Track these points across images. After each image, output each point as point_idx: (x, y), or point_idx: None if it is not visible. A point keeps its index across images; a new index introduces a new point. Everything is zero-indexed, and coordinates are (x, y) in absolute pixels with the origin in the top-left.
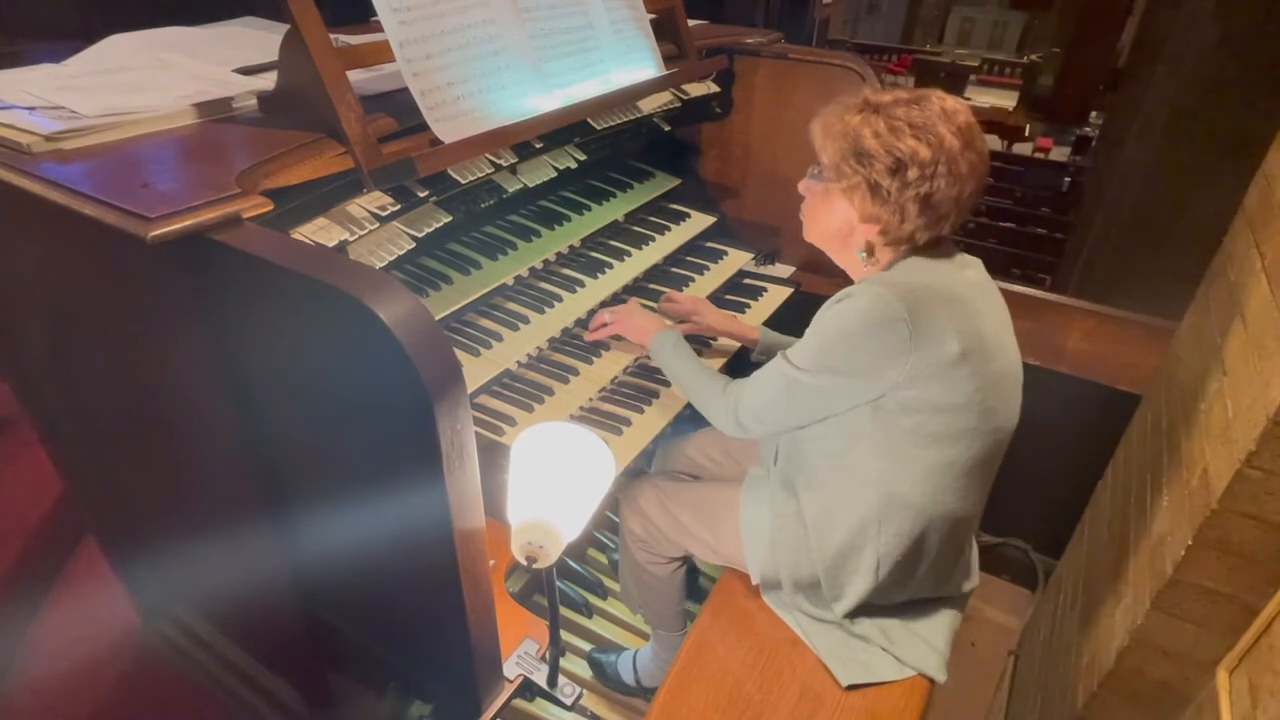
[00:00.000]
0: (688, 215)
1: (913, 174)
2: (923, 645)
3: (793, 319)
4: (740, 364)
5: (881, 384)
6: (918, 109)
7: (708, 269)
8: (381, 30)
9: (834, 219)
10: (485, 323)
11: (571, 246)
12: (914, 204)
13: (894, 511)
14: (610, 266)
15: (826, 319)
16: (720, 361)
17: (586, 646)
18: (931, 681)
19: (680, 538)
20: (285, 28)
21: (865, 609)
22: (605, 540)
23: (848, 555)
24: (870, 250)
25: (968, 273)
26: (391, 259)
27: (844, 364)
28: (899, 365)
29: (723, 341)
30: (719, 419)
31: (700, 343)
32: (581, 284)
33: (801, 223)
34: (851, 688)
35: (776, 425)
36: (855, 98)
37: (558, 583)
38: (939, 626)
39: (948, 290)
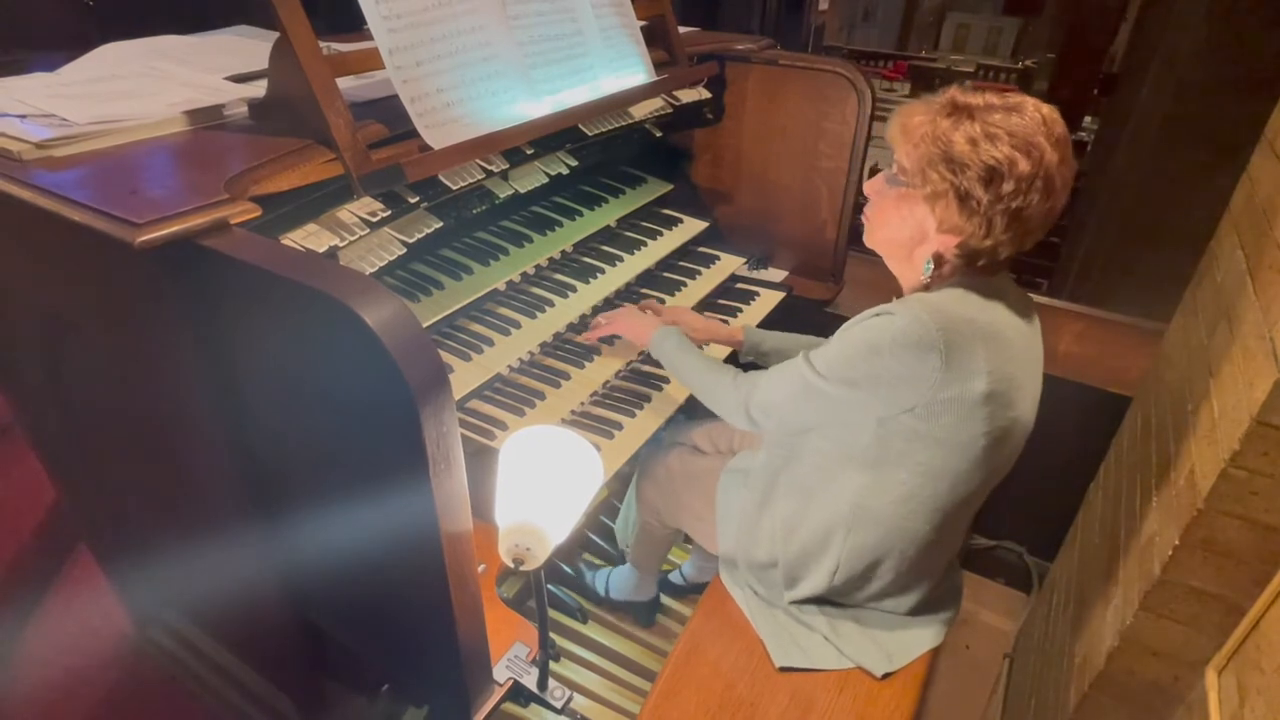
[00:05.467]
0: (680, 220)
1: (1008, 186)
2: (868, 642)
3: (785, 323)
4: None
5: (896, 405)
6: (1017, 116)
7: (700, 274)
8: (372, 38)
9: (906, 226)
10: (477, 328)
11: (564, 251)
12: (1002, 217)
13: (862, 522)
14: (602, 271)
15: (857, 330)
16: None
17: (581, 651)
18: (923, 685)
19: (678, 510)
20: (277, 36)
21: (818, 601)
22: (600, 544)
23: (811, 554)
24: (939, 262)
25: (1018, 312)
26: (382, 264)
27: (865, 378)
28: (920, 392)
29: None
30: (728, 411)
31: None
32: (573, 289)
33: (862, 226)
34: (785, 670)
35: (788, 423)
36: (940, 97)
37: (552, 587)
38: (892, 631)
39: (991, 327)
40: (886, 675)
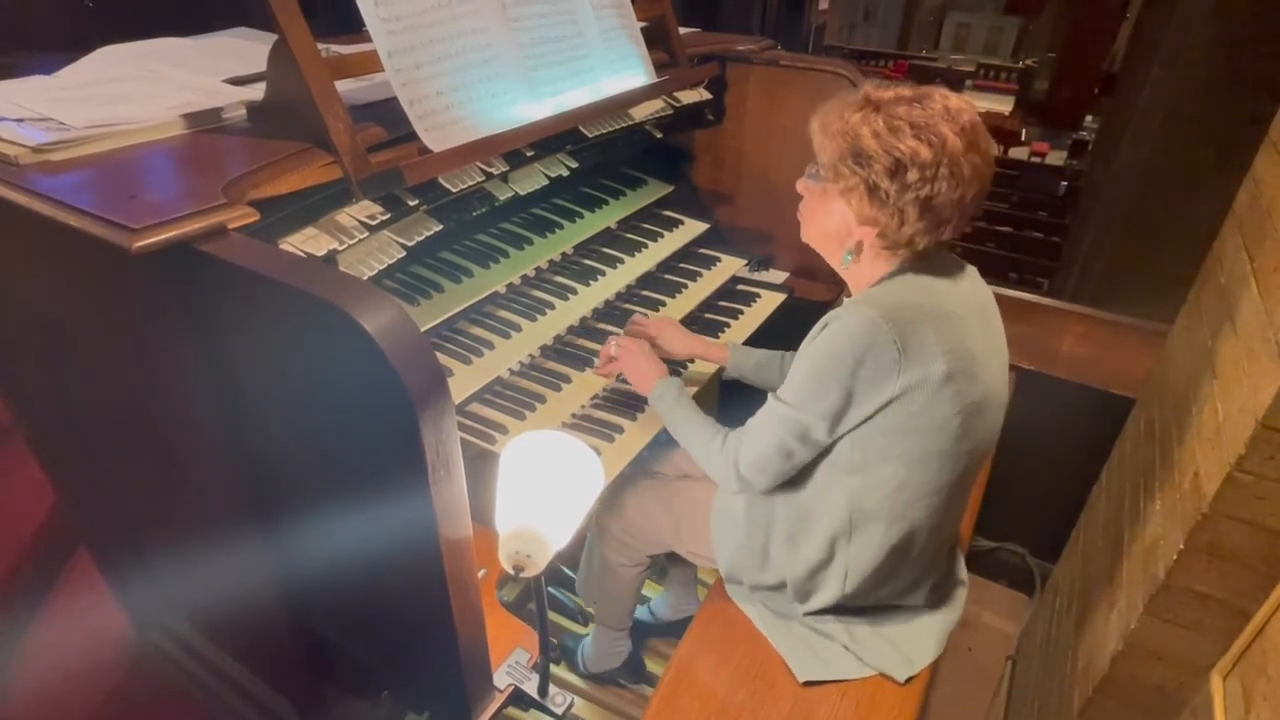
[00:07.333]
0: (680, 222)
1: (912, 176)
2: (887, 647)
3: (786, 325)
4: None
5: (871, 406)
6: (919, 107)
7: (701, 275)
8: (372, 40)
9: (831, 220)
10: (477, 330)
11: (564, 254)
12: (913, 207)
13: (861, 524)
14: (603, 274)
15: (815, 348)
16: (705, 375)
17: None
18: (926, 688)
19: (658, 534)
20: (275, 38)
21: (833, 610)
22: None
23: (818, 567)
24: (857, 251)
25: (963, 286)
26: (382, 268)
27: (839, 391)
28: (887, 388)
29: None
30: (720, 475)
31: (678, 364)
32: (574, 291)
33: (799, 223)
34: (809, 684)
35: (780, 473)
36: (856, 94)
37: (553, 590)
38: (908, 632)
39: (939, 308)
40: (909, 680)
